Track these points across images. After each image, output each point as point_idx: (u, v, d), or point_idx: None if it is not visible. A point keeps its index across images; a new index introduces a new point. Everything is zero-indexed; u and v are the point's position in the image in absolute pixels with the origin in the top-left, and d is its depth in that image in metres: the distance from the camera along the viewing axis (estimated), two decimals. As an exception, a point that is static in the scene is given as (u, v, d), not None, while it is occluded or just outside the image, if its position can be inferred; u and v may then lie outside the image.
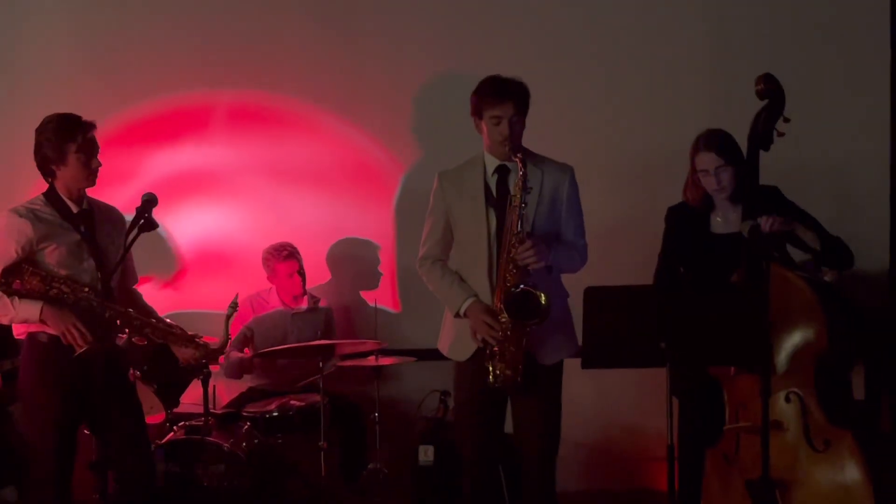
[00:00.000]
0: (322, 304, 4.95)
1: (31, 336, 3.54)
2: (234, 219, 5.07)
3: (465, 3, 5.03)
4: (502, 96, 3.43)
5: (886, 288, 4.98)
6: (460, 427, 3.68)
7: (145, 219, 3.46)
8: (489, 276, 3.48)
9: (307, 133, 5.05)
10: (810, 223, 3.58)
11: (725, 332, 3.13)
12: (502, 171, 3.51)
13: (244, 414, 4.44)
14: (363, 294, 5.11)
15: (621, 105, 5.03)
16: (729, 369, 3.47)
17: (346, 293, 5.12)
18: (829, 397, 3.29)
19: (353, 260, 5.13)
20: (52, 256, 3.48)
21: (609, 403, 5.08)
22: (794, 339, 3.31)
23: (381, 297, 4.97)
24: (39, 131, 3.52)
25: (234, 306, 3.81)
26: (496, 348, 3.40)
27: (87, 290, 3.47)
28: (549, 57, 4.97)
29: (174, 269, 5.01)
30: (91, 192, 3.69)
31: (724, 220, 3.72)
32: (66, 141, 3.48)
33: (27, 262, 3.44)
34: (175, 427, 4.25)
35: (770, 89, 3.40)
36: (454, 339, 3.58)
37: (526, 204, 3.37)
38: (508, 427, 3.67)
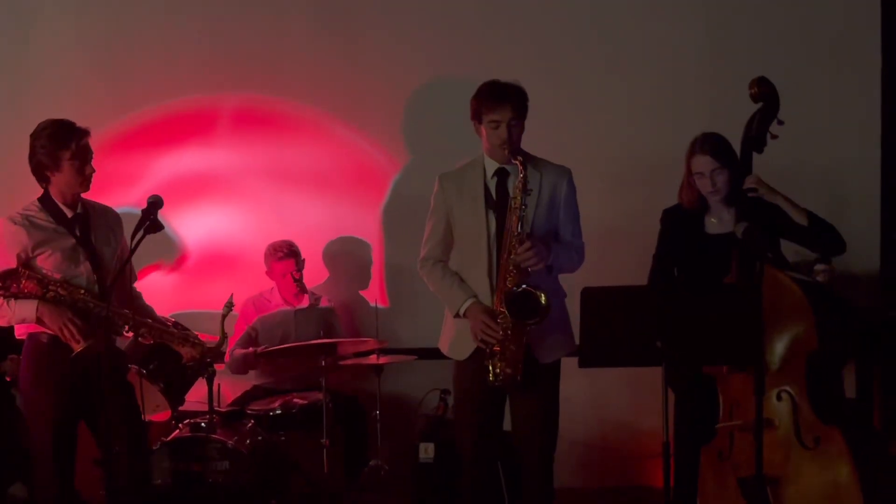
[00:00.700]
0: (325, 302, 5.00)
1: (32, 336, 3.60)
2: (237, 220, 5.13)
3: (465, 8, 5.07)
4: (501, 100, 3.47)
5: (877, 289, 5.03)
6: (460, 425, 3.72)
7: (151, 220, 3.48)
8: (489, 277, 3.52)
9: (310, 137, 5.09)
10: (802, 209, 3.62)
11: (719, 331, 3.16)
12: (501, 174, 3.55)
13: (248, 411, 4.47)
14: (361, 293, 5.17)
15: (618, 109, 5.06)
16: (723, 368, 3.50)
17: (343, 291, 5.17)
18: (819, 395, 3.33)
19: (349, 258, 5.19)
20: (48, 261, 3.53)
21: (605, 401, 5.12)
22: (785, 339, 3.35)
23: (369, 295, 5.04)
24: (34, 137, 3.56)
25: (229, 306, 3.86)
26: (496, 348, 3.44)
27: (83, 291, 3.53)
28: (545, 61, 5.00)
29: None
30: (97, 195, 3.74)
31: (719, 220, 3.76)
32: (60, 147, 3.52)
33: (24, 266, 3.49)
34: (180, 425, 4.27)
35: (764, 92, 3.45)
36: (454, 338, 3.62)
37: (526, 206, 3.42)
38: (507, 426, 3.71)
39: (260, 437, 4.33)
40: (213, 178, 5.10)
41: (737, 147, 3.62)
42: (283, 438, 4.46)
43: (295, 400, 4.52)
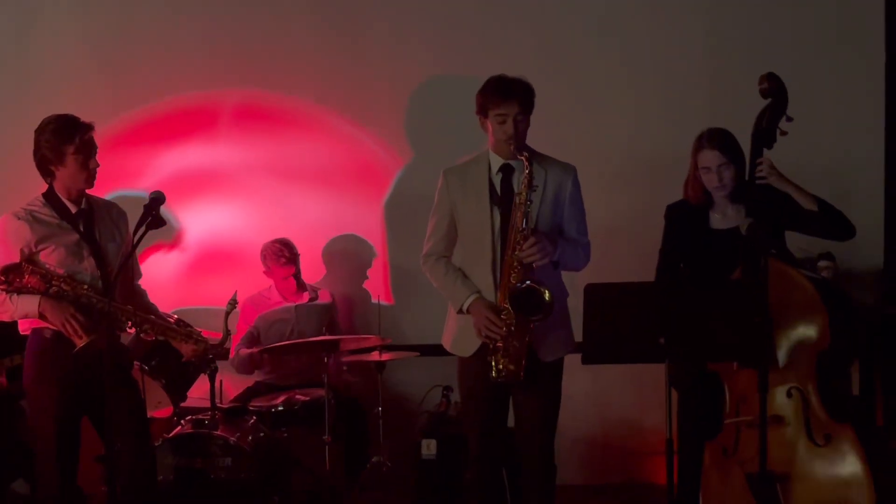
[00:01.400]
0: (325, 297, 5.00)
1: (36, 331, 3.59)
2: (239, 216, 5.12)
3: (469, 6, 5.06)
4: (507, 95, 3.46)
5: (881, 286, 5.03)
6: (466, 421, 3.73)
7: (153, 216, 3.47)
8: (493, 273, 3.51)
9: (313, 133, 5.09)
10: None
11: (725, 327, 3.15)
12: (506, 170, 3.55)
13: (250, 408, 4.47)
14: (364, 287, 5.17)
15: (622, 106, 5.06)
16: (731, 363, 3.49)
17: (346, 288, 5.17)
18: (829, 392, 3.33)
19: (351, 256, 5.19)
20: (51, 257, 3.52)
21: (608, 398, 5.12)
22: (795, 335, 3.35)
23: (372, 291, 5.04)
24: (38, 132, 3.56)
25: (233, 303, 3.84)
26: (499, 344, 3.44)
27: (86, 287, 3.52)
28: (548, 59, 5.00)
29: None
30: (99, 191, 3.73)
31: (723, 216, 3.75)
32: (64, 142, 3.52)
33: (27, 262, 3.49)
34: (182, 421, 4.27)
35: (774, 88, 3.44)
36: (458, 334, 3.62)
37: (531, 202, 3.41)
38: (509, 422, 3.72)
39: (262, 434, 4.33)
40: (215, 174, 5.10)
41: (745, 143, 3.61)
42: (285, 435, 4.46)
43: (297, 396, 4.52)
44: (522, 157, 3.41)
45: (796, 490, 3.29)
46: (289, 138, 5.10)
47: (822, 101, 4.93)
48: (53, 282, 3.49)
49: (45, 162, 3.56)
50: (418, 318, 5.04)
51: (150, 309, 3.80)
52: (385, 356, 4.58)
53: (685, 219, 3.83)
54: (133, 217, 3.57)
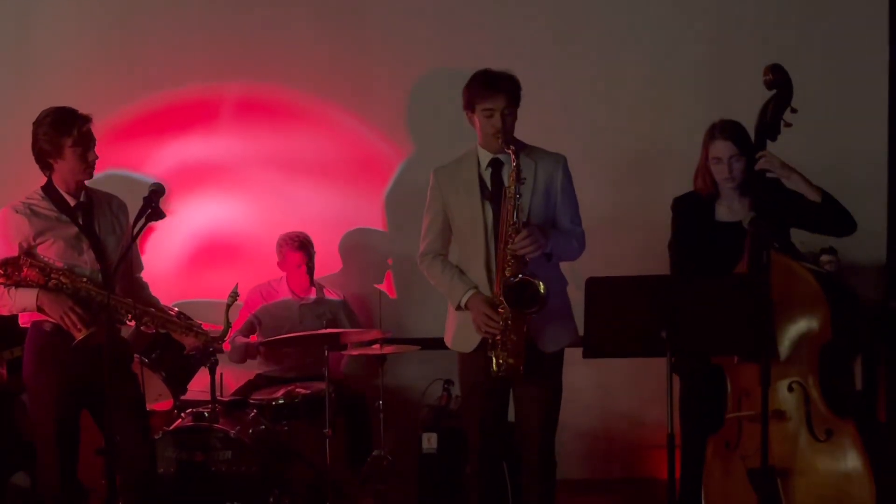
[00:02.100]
0: (329, 294, 4.99)
1: (35, 324, 3.59)
2: (240, 209, 5.11)
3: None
4: (494, 89, 3.46)
5: (884, 281, 5.02)
6: (467, 416, 3.73)
7: (153, 208, 3.47)
8: (487, 269, 3.52)
9: (313, 126, 5.08)
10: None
11: (727, 321, 3.15)
12: (496, 165, 3.54)
13: (251, 401, 4.46)
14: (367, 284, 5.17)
15: (618, 97, 5.05)
16: (733, 357, 3.49)
17: (354, 283, 5.16)
18: (831, 387, 3.33)
19: (361, 250, 5.18)
20: (50, 250, 3.52)
21: (609, 392, 5.12)
22: (797, 329, 3.34)
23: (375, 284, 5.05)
24: (36, 125, 3.55)
25: (233, 295, 3.82)
26: (498, 338, 3.44)
27: (85, 280, 3.52)
28: (547, 51, 4.99)
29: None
30: (100, 183, 3.73)
31: (730, 209, 3.74)
32: (62, 135, 3.51)
33: (26, 255, 3.48)
34: (183, 414, 4.27)
35: (778, 79, 3.43)
36: (458, 331, 3.63)
37: (521, 195, 3.40)
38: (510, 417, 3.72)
39: (263, 427, 4.33)
40: (216, 166, 5.09)
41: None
42: (285, 428, 4.45)
43: (298, 390, 4.51)
44: (510, 151, 3.39)
45: (797, 484, 3.28)
46: (290, 131, 5.08)
47: (826, 94, 4.91)
48: (52, 275, 3.48)
49: (44, 155, 3.55)
50: (419, 312, 5.03)
51: (151, 302, 3.79)
52: (386, 349, 4.57)
53: (692, 211, 3.82)
54: (132, 207, 3.56)
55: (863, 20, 5.00)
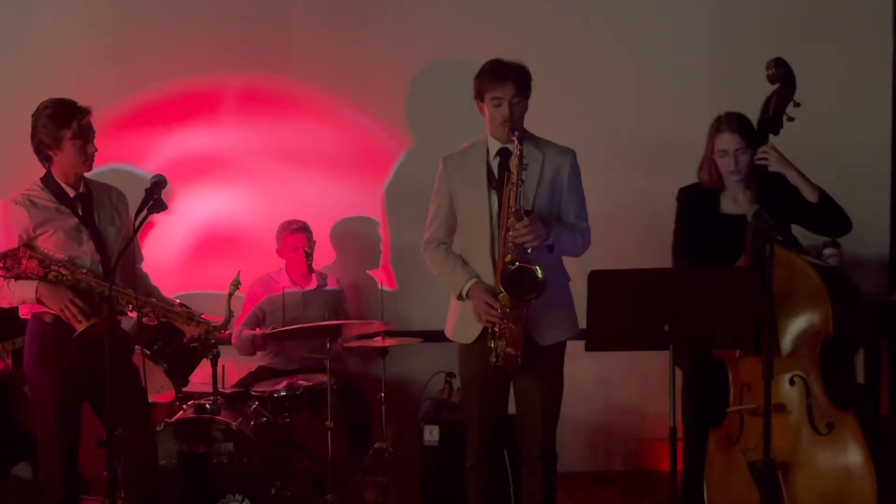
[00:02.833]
0: (333, 284, 4.99)
1: (36, 316, 3.58)
2: (241, 200, 5.11)
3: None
4: (503, 78, 3.45)
5: (886, 274, 5.02)
6: (467, 409, 3.71)
7: (154, 200, 3.46)
8: (491, 257, 3.49)
9: (314, 117, 5.07)
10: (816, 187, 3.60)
11: (730, 314, 3.15)
12: (504, 154, 3.51)
13: (252, 393, 4.47)
14: (369, 273, 5.17)
15: (626, 90, 5.03)
16: (735, 351, 3.49)
17: (351, 272, 5.17)
18: (833, 381, 3.33)
19: (356, 238, 5.19)
20: (49, 241, 3.51)
21: (612, 385, 5.12)
22: (799, 323, 3.34)
23: (376, 276, 5.03)
24: (35, 117, 3.54)
25: (235, 284, 3.80)
26: (497, 328, 3.43)
27: (85, 271, 3.51)
28: (549, 44, 4.96)
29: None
30: (103, 176, 3.73)
31: (734, 201, 3.75)
32: (61, 126, 3.50)
33: (25, 247, 3.47)
34: (184, 406, 4.28)
35: (781, 73, 3.44)
36: (458, 321, 3.61)
37: (523, 181, 3.37)
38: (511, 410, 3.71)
39: (264, 419, 4.34)
40: (217, 158, 5.08)
41: (752, 131, 3.60)
42: (287, 420, 4.46)
43: (300, 382, 4.51)
44: (514, 138, 3.37)
45: (798, 478, 3.29)
46: (291, 123, 5.08)
47: (829, 86, 4.88)
48: (52, 267, 3.48)
49: (43, 147, 3.55)
50: (421, 304, 5.03)
51: (152, 292, 3.78)
52: (388, 342, 4.57)
53: (696, 203, 3.81)
54: (134, 200, 3.55)
55: (867, 11, 4.99)
